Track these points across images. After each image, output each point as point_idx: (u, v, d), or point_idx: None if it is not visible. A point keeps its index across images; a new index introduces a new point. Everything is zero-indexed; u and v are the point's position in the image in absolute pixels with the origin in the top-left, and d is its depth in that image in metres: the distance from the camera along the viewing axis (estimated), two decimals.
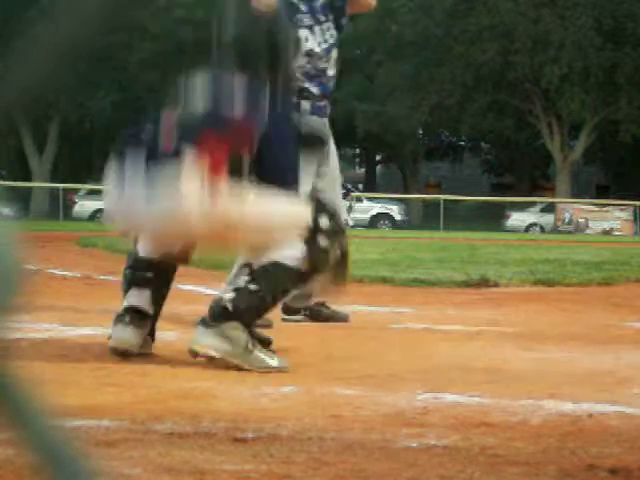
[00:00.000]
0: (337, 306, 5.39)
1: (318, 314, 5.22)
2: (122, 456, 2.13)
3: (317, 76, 5.24)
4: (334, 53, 5.31)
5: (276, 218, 3.46)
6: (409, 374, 3.40)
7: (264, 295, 3.46)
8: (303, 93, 5.20)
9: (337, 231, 3.53)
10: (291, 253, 3.47)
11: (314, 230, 3.49)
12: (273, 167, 3.54)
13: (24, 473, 1.90)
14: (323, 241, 3.48)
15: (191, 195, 3.31)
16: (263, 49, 3.69)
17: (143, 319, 3.70)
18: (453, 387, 3.12)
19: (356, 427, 2.48)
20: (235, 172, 3.41)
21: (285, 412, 2.68)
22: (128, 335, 3.64)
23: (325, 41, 5.25)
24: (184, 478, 1.98)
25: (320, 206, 3.58)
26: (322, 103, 5.26)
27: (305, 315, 5.23)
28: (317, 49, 5.23)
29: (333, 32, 5.28)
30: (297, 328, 4.86)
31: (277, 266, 3.46)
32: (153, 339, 3.76)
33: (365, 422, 2.55)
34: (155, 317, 3.75)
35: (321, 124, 5.04)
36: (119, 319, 3.68)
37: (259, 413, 2.65)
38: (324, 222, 3.50)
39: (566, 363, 3.74)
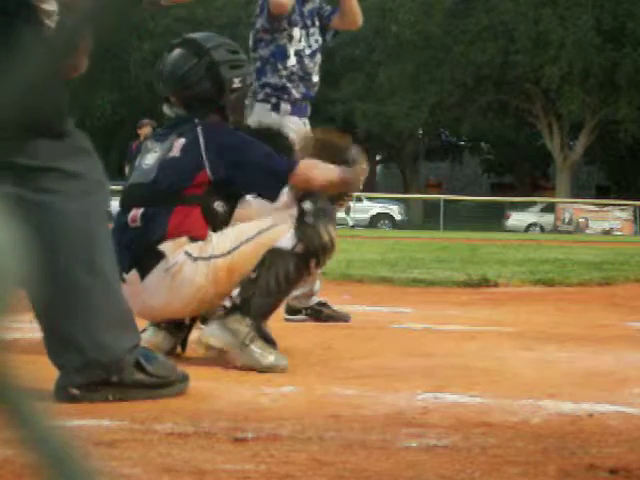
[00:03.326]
0: (338, 306, 5.41)
1: (319, 314, 5.23)
2: (122, 456, 2.13)
3: (304, 79, 5.28)
4: (318, 58, 5.36)
5: (273, 235, 3.56)
6: (409, 374, 3.40)
7: (267, 281, 3.48)
8: (284, 95, 5.22)
9: (321, 209, 3.60)
10: (283, 238, 3.55)
11: (300, 214, 3.56)
12: (253, 184, 3.65)
13: (24, 473, 1.90)
14: (309, 218, 3.55)
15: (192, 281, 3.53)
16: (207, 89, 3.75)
17: (179, 328, 3.72)
18: (453, 387, 3.12)
19: (356, 427, 2.48)
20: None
21: (285, 412, 2.68)
22: (160, 340, 3.67)
23: (310, 46, 5.31)
24: (184, 478, 1.98)
25: (302, 196, 3.65)
26: (303, 105, 5.31)
27: (307, 315, 5.24)
28: (305, 51, 5.29)
29: (318, 38, 5.36)
30: (297, 328, 4.86)
31: (272, 252, 3.51)
32: (184, 348, 3.77)
33: (365, 422, 2.55)
34: (190, 327, 3.77)
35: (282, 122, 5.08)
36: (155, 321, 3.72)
37: (259, 413, 2.65)
38: (307, 205, 3.58)
39: (566, 363, 3.74)
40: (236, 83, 3.76)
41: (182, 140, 3.64)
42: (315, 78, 5.36)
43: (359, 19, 5.37)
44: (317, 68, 5.38)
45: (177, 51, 3.79)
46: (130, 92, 40.60)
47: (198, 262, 3.50)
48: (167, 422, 2.49)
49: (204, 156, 3.59)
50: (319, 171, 3.62)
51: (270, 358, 3.46)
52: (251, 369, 3.40)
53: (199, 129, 3.63)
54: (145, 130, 16.82)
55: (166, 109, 3.81)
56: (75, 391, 2.75)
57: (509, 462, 2.14)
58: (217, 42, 3.82)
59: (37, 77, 0.58)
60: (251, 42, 5.33)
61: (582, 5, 38.22)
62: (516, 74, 40.01)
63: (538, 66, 38.79)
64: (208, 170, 3.58)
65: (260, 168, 3.61)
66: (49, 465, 0.60)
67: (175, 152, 3.63)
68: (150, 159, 3.68)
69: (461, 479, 2.01)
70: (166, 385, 2.89)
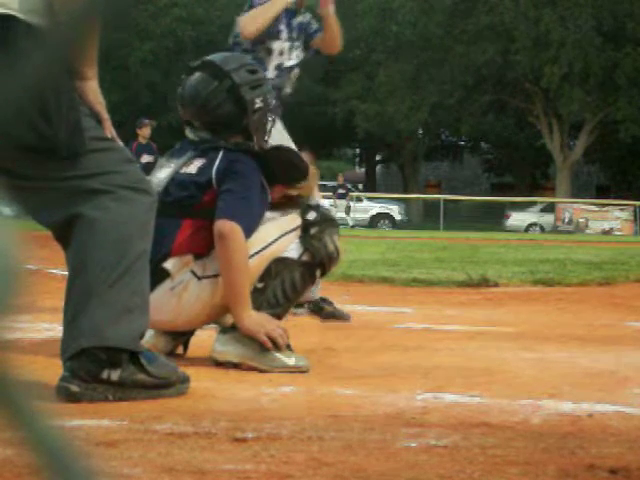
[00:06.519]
0: (337, 306, 5.41)
1: (320, 310, 5.26)
2: (122, 456, 2.13)
3: (279, 89, 5.32)
4: (295, 73, 5.43)
5: (280, 245, 3.59)
6: (409, 374, 3.40)
7: (273, 290, 3.51)
8: None
9: (325, 219, 3.64)
10: (289, 247, 3.60)
11: (305, 225, 3.62)
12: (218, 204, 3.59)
13: (24, 473, 1.90)
14: (314, 229, 3.59)
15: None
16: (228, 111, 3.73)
17: (181, 332, 3.72)
18: (453, 387, 3.12)
19: (356, 427, 2.48)
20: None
21: (285, 412, 2.68)
22: (162, 343, 3.67)
23: (290, 59, 5.36)
24: (184, 478, 1.98)
25: (305, 206, 3.70)
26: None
27: (309, 309, 5.27)
28: (285, 64, 5.33)
29: (299, 53, 5.42)
30: (297, 328, 4.86)
31: (278, 261, 3.55)
32: (186, 349, 3.77)
33: (365, 422, 2.55)
34: (193, 330, 3.76)
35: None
36: None
37: (259, 413, 2.65)
38: (311, 215, 3.63)
39: (566, 363, 3.74)
40: (258, 103, 3.73)
41: (202, 160, 3.64)
42: (287, 89, 5.42)
43: (338, 46, 5.48)
44: (292, 81, 5.43)
45: (197, 75, 3.75)
46: (130, 92, 40.56)
47: (203, 281, 3.51)
48: (167, 422, 2.49)
49: (213, 174, 3.58)
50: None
51: (292, 358, 3.47)
52: (280, 372, 3.39)
53: (221, 152, 3.63)
54: (145, 130, 16.83)
55: (188, 132, 3.77)
56: (75, 388, 2.75)
57: (509, 462, 2.14)
58: (237, 64, 3.77)
59: (36, 78, 0.58)
60: (230, 42, 5.36)
61: (582, 5, 38.17)
62: (516, 74, 39.99)
63: (538, 66, 38.76)
64: (215, 187, 3.57)
65: (232, 196, 3.53)
66: (49, 465, 0.60)
67: (191, 169, 3.63)
68: (163, 173, 3.68)
69: (461, 479, 2.01)
70: (166, 386, 2.89)
